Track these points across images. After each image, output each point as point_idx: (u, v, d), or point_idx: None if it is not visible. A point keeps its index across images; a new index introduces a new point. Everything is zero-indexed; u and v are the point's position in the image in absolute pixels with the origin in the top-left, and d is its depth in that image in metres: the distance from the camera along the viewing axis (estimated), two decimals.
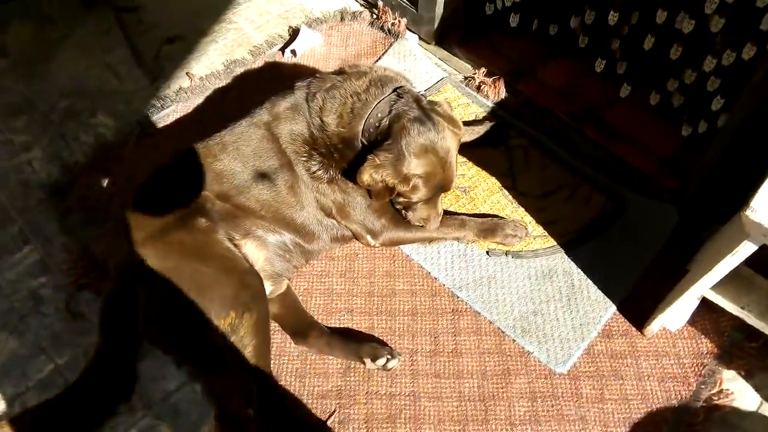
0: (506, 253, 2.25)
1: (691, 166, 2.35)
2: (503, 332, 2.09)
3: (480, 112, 2.65)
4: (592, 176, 2.43)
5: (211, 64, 2.90)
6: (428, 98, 2.12)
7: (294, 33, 2.98)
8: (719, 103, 2.23)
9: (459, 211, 2.35)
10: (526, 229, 2.27)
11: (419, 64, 2.84)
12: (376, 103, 1.97)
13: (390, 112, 1.95)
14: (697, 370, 2.03)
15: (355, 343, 2.03)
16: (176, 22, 3.08)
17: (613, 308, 2.14)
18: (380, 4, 3.03)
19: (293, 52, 2.88)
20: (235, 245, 1.96)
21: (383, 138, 1.94)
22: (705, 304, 2.02)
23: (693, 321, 2.10)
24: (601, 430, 1.92)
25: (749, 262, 1.73)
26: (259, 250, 2.02)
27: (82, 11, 3.09)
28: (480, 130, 2.48)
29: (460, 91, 2.74)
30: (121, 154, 2.53)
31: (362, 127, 1.97)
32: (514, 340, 2.08)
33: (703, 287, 1.86)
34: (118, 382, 1.96)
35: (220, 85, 2.78)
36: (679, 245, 2.25)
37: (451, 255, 2.26)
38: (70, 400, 1.88)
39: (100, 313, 1.96)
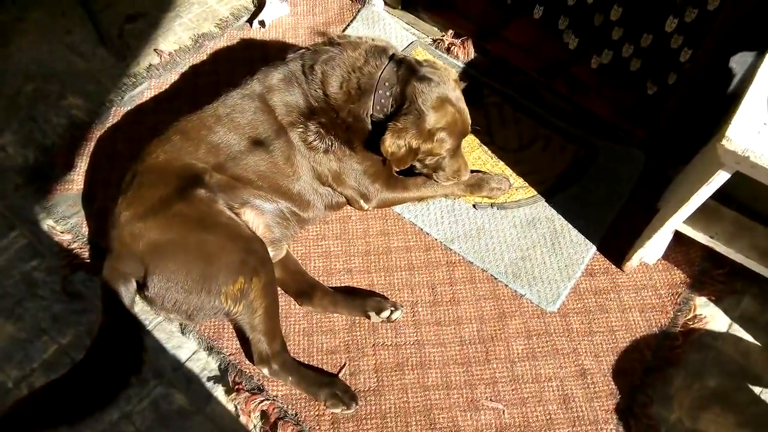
0: (492, 205, 2.36)
1: (655, 110, 2.51)
2: (496, 279, 2.21)
3: None
4: (563, 128, 2.56)
5: (179, 39, 2.86)
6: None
7: (260, 4, 2.97)
8: (687, 54, 2.37)
9: None
10: (509, 181, 2.38)
11: (388, 29, 2.90)
12: (379, 74, 2.04)
13: (397, 79, 2.03)
14: (672, 299, 2.20)
15: (359, 299, 2.11)
16: None
17: (594, 248, 2.29)
18: None
19: (261, 23, 2.88)
20: (236, 214, 1.99)
21: (399, 104, 2.02)
22: (676, 238, 2.19)
23: (666, 255, 2.27)
24: (593, 360, 2.07)
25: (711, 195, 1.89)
26: (258, 218, 2.06)
27: None
28: None
29: (430, 53, 2.81)
30: (98, 134, 2.49)
31: (372, 101, 2.04)
32: (506, 285, 2.20)
33: (678, 221, 2.01)
34: (126, 356, 1.97)
35: (191, 60, 2.76)
36: (648, 185, 2.41)
37: (440, 211, 2.35)
38: (80, 377, 1.89)
39: (102, 290, 1.96)
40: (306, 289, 2.13)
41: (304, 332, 2.09)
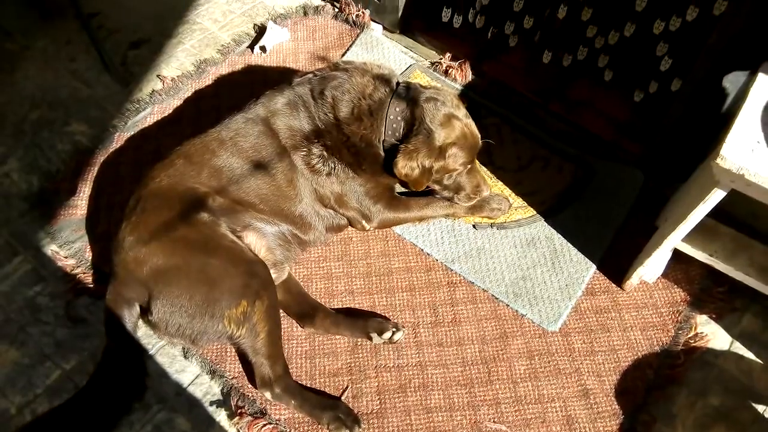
0: (492, 226, 2.38)
1: (650, 130, 2.53)
2: (497, 298, 2.22)
3: None
4: (561, 148, 2.59)
5: (181, 65, 2.91)
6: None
7: (260, 30, 3.03)
8: (668, 63, 2.40)
9: None
10: (509, 201, 2.40)
11: (387, 53, 2.94)
12: (388, 100, 2.10)
13: (406, 103, 2.10)
14: (673, 317, 2.21)
15: (361, 320, 2.12)
16: (138, 26, 3.08)
17: (594, 267, 2.30)
18: None
19: (263, 48, 2.93)
20: (238, 237, 2.01)
21: (409, 126, 2.08)
22: (675, 256, 2.21)
23: (665, 273, 2.28)
24: (596, 379, 2.07)
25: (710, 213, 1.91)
26: (260, 240, 2.07)
27: (39, 23, 3.04)
28: None
29: (429, 76, 2.85)
30: (102, 159, 2.52)
31: (384, 127, 2.11)
32: (507, 305, 2.21)
33: (676, 239, 2.03)
34: (129, 381, 1.98)
35: (194, 85, 2.80)
36: (646, 204, 2.43)
37: (441, 231, 2.37)
38: (83, 403, 1.89)
39: (106, 315, 1.97)
40: (308, 311, 2.14)
41: (307, 355, 2.10)
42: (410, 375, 2.06)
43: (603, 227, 2.38)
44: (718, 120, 2.06)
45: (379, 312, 2.19)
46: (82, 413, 1.88)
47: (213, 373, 2.06)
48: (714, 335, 2.20)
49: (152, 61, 2.93)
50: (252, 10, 3.17)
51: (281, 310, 2.12)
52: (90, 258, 2.28)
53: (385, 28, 3.08)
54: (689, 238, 2.04)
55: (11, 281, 2.23)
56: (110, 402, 1.93)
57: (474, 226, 2.38)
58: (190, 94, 2.77)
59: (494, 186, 2.48)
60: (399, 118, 2.11)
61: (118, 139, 2.59)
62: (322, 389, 2.04)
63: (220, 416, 2.00)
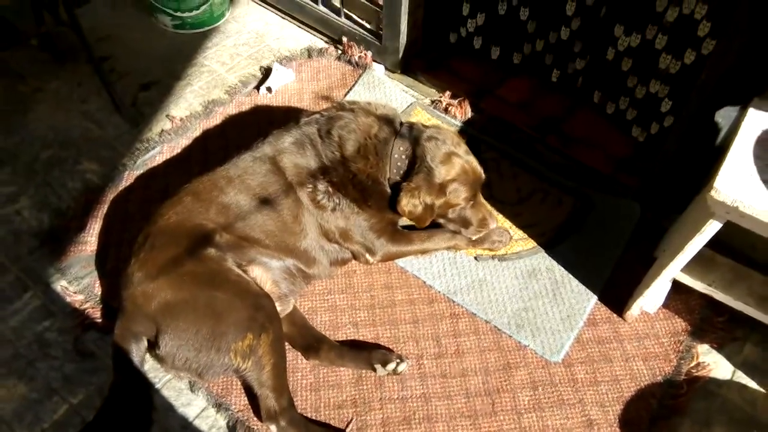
0: (493, 257, 2.42)
1: (647, 163, 2.60)
2: (499, 330, 2.25)
3: None
4: (560, 181, 2.65)
5: (190, 106, 3.00)
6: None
7: (266, 71, 3.13)
8: (668, 104, 2.49)
9: None
10: (509, 233, 2.45)
11: (388, 92, 3.03)
12: (393, 140, 2.20)
13: (409, 142, 2.18)
14: (675, 347, 2.23)
15: (365, 351, 2.14)
16: (148, 69, 3.18)
17: (595, 298, 2.33)
18: (344, 39, 3.22)
19: (269, 89, 3.02)
20: (244, 271, 2.05)
21: (411, 165, 2.17)
22: (675, 287, 2.24)
23: (666, 303, 2.31)
24: (599, 410, 2.08)
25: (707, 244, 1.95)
26: (265, 274, 2.11)
27: (53, 66, 3.14)
28: None
29: (429, 114, 2.93)
30: (111, 197, 2.59)
31: (389, 165, 2.19)
32: (510, 336, 2.23)
33: (675, 270, 2.06)
34: (136, 415, 1.98)
35: (202, 125, 2.88)
36: (644, 235, 2.48)
37: (443, 263, 2.41)
38: None
39: (113, 349, 2.00)
40: (313, 343, 2.16)
41: (311, 387, 2.12)
42: (414, 407, 2.07)
43: (602, 258, 2.42)
44: (712, 153, 2.12)
45: (383, 344, 2.21)
46: None
47: (219, 407, 2.08)
48: (716, 365, 2.21)
49: (161, 102, 3.02)
50: (258, 53, 3.28)
51: (286, 343, 2.14)
52: (99, 293, 2.31)
53: (386, 69, 3.17)
54: (688, 268, 2.08)
55: (21, 317, 2.27)
56: None
57: (476, 258, 2.42)
58: (198, 134, 2.85)
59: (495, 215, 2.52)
60: (403, 157, 2.19)
61: (128, 178, 2.66)
62: (327, 422, 2.05)
63: None
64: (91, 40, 2.96)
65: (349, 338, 2.23)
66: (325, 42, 3.32)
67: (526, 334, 2.23)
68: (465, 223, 2.29)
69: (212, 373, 1.95)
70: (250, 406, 2.07)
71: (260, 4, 3.53)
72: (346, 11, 3.22)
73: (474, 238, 2.34)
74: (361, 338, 2.23)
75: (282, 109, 2.97)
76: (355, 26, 3.20)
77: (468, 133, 2.83)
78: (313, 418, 2.05)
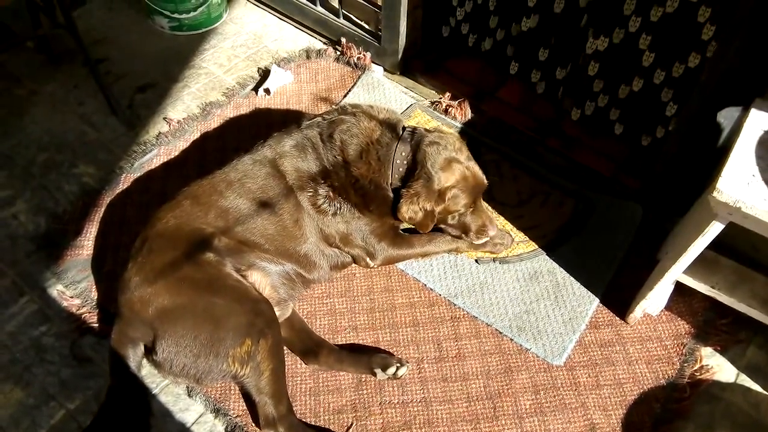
0: (494, 260, 2.39)
1: (648, 164, 2.58)
2: (501, 333, 2.22)
3: None
4: (560, 183, 2.63)
5: (187, 108, 2.98)
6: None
7: (264, 73, 3.11)
8: (673, 108, 2.47)
9: None
10: (511, 236, 2.43)
11: (388, 94, 3.01)
12: (395, 145, 2.17)
13: (410, 148, 2.15)
14: (678, 350, 2.21)
15: (365, 356, 2.12)
16: (144, 71, 3.15)
17: (597, 301, 2.31)
18: (343, 40, 3.20)
19: (267, 90, 3.00)
20: (243, 275, 2.03)
21: (411, 170, 2.14)
22: (678, 289, 2.22)
23: (669, 306, 2.29)
24: (602, 413, 2.06)
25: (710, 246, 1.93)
26: (264, 279, 2.09)
27: (49, 68, 3.12)
28: None
29: (429, 115, 2.91)
30: (108, 200, 2.56)
31: (391, 170, 2.16)
32: (511, 340, 2.21)
33: (677, 272, 2.04)
34: (133, 420, 1.97)
35: (199, 127, 2.86)
36: (647, 237, 2.46)
37: (443, 266, 2.39)
38: None
39: (110, 354, 1.98)
40: (312, 348, 2.14)
41: (311, 392, 2.09)
42: (415, 411, 2.05)
43: (604, 261, 2.40)
44: (714, 154, 2.11)
45: (383, 348, 2.19)
46: None
47: (217, 412, 2.05)
48: (720, 368, 2.19)
49: (158, 104, 3.00)
50: (256, 55, 3.26)
51: (285, 347, 2.12)
52: (95, 298, 2.29)
53: (386, 70, 3.15)
54: (690, 270, 2.06)
55: (17, 321, 2.24)
56: None
57: (476, 261, 2.40)
58: (196, 136, 2.83)
59: (496, 220, 2.50)
60: (404, 162, 2.17)
61: (125, 181, 2.64)
62: (327, 427, 2.03)
63: None
64: (88, 42, 2.94)
65: (348, 342, 2.21)
66: (324, 43, 3.30)
67: (527, 337, 2.21)
68: (465, 229, 2.26)
69: (210, 379, 1.93)
70: (248, 412, 2.04)
71: (258, 6, 3.51)
72: (345, 12, 3.19)
73: (475, 242, 2.31)
74: (360, 342, 2.21)
75: (280, 111, 2.94)
76: (354, 27, 3.18)
77: (468, 134, 2.81)
78: (313, 423, 2.03)
